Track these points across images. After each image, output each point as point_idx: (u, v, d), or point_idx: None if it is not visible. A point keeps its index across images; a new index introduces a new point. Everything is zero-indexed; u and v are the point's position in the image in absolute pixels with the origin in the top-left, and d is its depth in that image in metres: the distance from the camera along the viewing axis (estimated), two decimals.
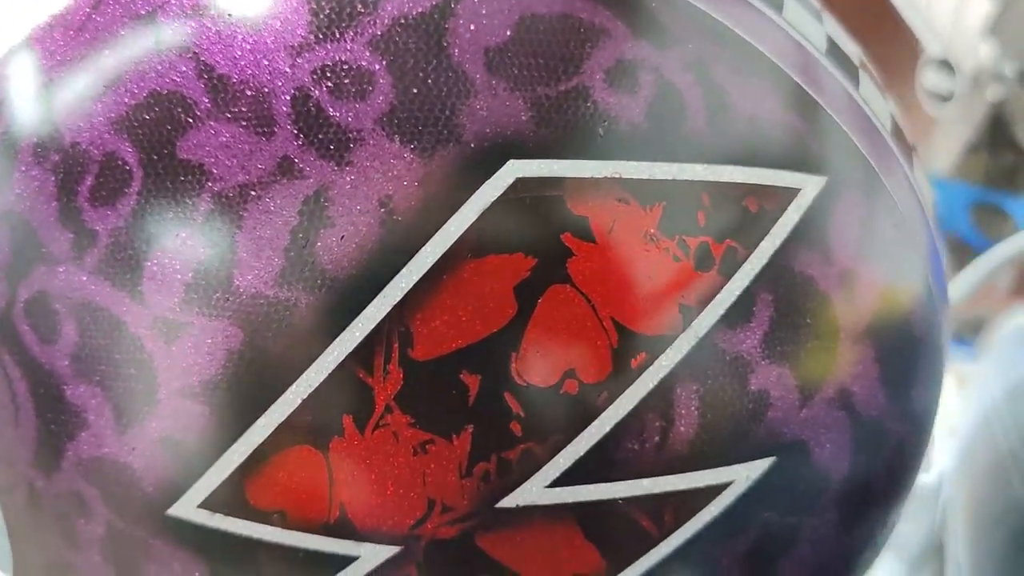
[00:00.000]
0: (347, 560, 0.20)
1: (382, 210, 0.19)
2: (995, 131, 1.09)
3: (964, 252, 0.77)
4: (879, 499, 0.24)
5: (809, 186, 0.21)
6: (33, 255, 0.21)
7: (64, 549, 0.23)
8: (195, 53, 0.20)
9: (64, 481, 0.22)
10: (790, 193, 0.21)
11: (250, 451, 0.20)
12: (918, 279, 0.24)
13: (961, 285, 0.70)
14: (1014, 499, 0.28)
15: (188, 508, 0.21)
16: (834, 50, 0.23)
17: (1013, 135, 1.07)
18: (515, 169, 0.19)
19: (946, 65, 1.08)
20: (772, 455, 0.21)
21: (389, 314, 0.19)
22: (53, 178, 0.21)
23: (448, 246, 0.19)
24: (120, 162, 0.20)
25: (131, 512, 0.21)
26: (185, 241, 0.19)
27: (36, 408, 0.22)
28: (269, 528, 0.20)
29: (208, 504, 0.20)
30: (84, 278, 0.20)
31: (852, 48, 0.25)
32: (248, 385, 0.19)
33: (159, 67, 0.20)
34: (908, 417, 0.24)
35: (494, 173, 0.19)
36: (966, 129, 1.10)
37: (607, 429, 0.19)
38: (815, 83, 0.22)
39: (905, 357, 0.24)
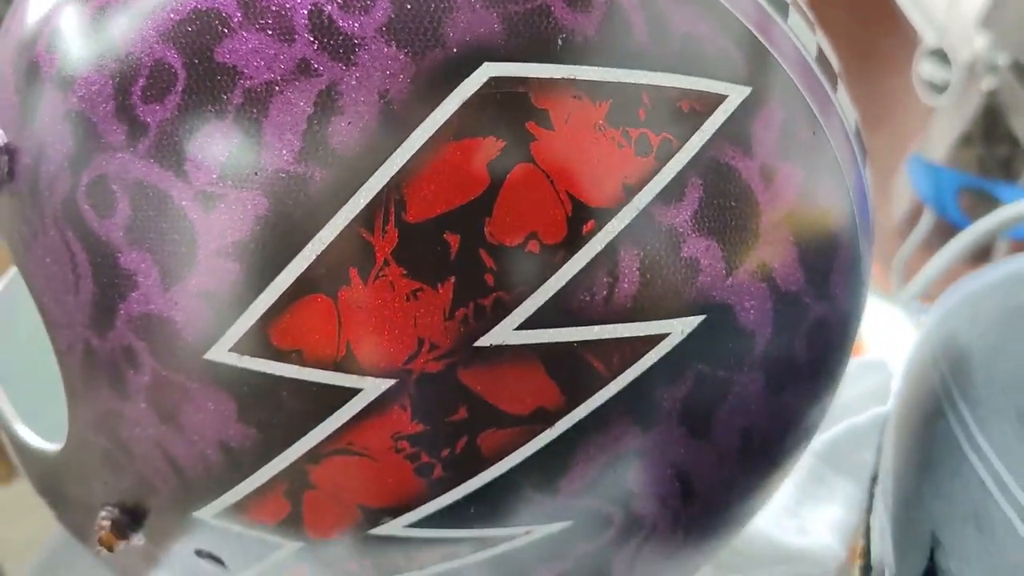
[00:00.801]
0: (352, 392, 0.25)
1: (381, 101, 0.24)
2: (989, 121, 1.13)
3: (953, 235, 0.81)
4: (803, 370, 0.29)
5: (735, 94, 0.26)
6: (94, 146, 0.26)
7: (114, 400, 0.28)
8: None
9: (116, 337, 0.27)
10: (718, 98, 0.26)
11: (273, 300, 0.25)
12: (836, 185, 0.29)
13: (942, 259, 0.74)
14: (930, 387, 0.33)
15: (221, 352, 0.26)
16: None
17: (1007, 125, 1.11)
18: (489, 70, 0.24)
19: (942, 55, 1.12)
20: (703, 313, 0.26)
21: (387, 184, 0.24)
22: (111, 82, 0.26)
23: (434, 130, 0.24)
24: (167, 66, 0.25)
25: (173, 360, 0.26)
26: (221, 128, 0.24)
27: (94, 276, 0.27)
28: (288, 366, 0.25)
29: (238, 348, 0.25)
30: (137, 162, 0.25)
31: None
32: (272, 245, 0.24)
33: None
34: (826, 298, 0.29)
35: (471, 73, 0.24)
36: (961, 118, 1.14)
37: (563, 283, 0.24)
38: (745, 13, 0.27)
39: (823, 248, 0.29)
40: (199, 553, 0.31)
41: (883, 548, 0.33)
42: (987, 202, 1.07)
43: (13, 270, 0.43)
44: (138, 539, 0.31)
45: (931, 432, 0.30)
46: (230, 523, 0.29)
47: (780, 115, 0.27)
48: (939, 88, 1.13)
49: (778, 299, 0.27)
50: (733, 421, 0.28)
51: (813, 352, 0.29)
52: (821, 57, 0.30)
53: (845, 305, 0.30)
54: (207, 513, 0.29)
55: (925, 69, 1.16)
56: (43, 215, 0.27)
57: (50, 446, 0.33)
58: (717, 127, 0.26)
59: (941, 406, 0.30)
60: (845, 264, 0.30)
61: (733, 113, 0.26)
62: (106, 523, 0.31)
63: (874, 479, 0.36)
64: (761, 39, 0.27)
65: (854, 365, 0.50)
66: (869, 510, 0.36)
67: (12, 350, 0.39)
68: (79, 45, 0.27)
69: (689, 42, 0.26)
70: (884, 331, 0.59)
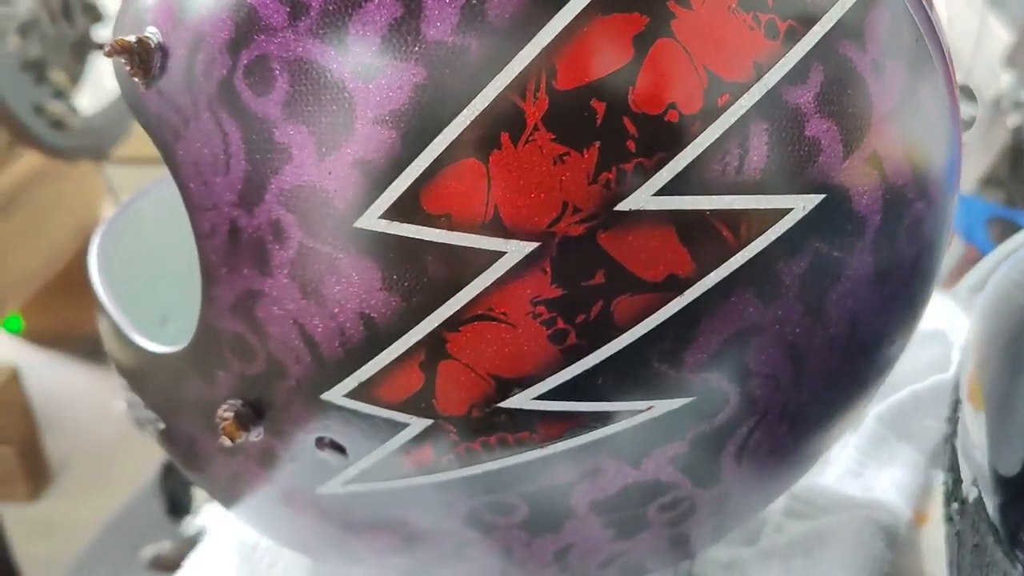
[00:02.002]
0: (497, 255, 0.27)
1: None
2: (1015, 156, 1.16)
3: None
4: (904, 264, 0.31)
5: None
6: (254, 28, 0.28)
7: (254, 279, 0.30)
8: None
9: (264, 212, 0.29)
10: None
11: (426, 165, 0.27)
12: (936, 95, 0.31)
13: (968, 282, 0.77)
14: (1017, 304, 0.35)
15: (371, 219, 0.28)
16: None
17: None
18: None
19: (968, 92, 1.16)
20: (823, 193, 0.28)
21: (539, 54, 0.26)
22: None
23: (584, 5, 0.26)
24: None
25: (322, 230, 0.28)
26: (384, 3, 0.27)
27: (247, 153, 0.29)
28: (436, 231, 0.27)
29: (388, 214, 0.28)
30: (298, 40, 0.28)
31: None
32: (429, 111, 0.27)
33: None
34: (926, 198, 0.31)
35: None
36: (988, 154, 1.17)
37: (699, 151, 0.27)
38: None
39: (924, 150, 0.31)
40: (320, 443, 0.32)
41: (971, 465, 0.35)
42: (1016, 231, 1.09)
43: (118, 209, 0.46)
44: (257, 434, 0.33)
45: (1021, 339, 0.32)
46: (359, 403, 0.31)
47: (887, 20, 0.30)
48: (966, 124, 1.17)
49: (887, 189, 0.30)
50: (844, 303, 0.30)
51: (913, 248, 0.31)
52: None
53: (940, 210, 0.32)
54: (336, 394, 0.31)
55: None
56: (196, 101, 0.30)
57: (173, 348, 0.35)
58: (836, 20, 0.28)
59: None
60: (942, 171, 0.32)
61: (849, 10, 0.28)
62: (229, 415, 0.33)
63: (955, 406, 0.38)
64: None
65: (916, 335, 0.53)
66: (953, 434, 0.38)
67: (124, 280, 0.41)
68: None
69: None
70: (937, 314, 0.61)
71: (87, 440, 1.47)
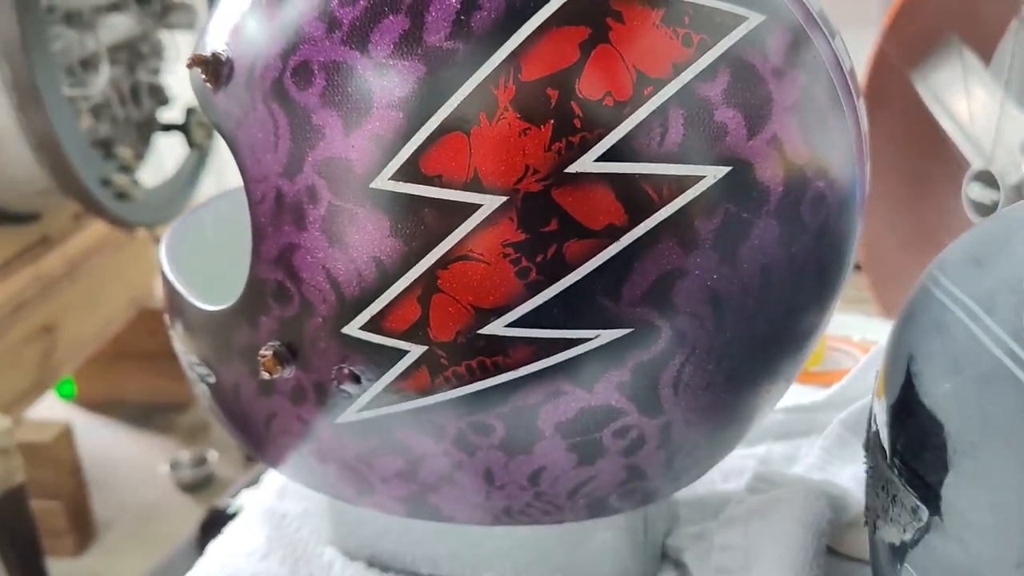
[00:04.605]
0: (476, 207, 0.37)
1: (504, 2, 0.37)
2: None
3: None
4: (808, 232, 0.41)
5: (754, 16, 0.39)
6: (300, 39, 0.39)
7: (293, 234, 0.40)
8: None
9: (303, 180, 0.40)
10: (741, 18, 0.39)
11: (424, 138, 0.37)
12: (831, 97, 0.41)
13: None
14: (921, 284, 0.44)
15: (383, 181, 0.38)
16: None
17: None
18: None
19: (989, 178, 1.25)
20: (730, 165, 0.38)
21: (509, 55, 0.37)
22: None
23: (543, 20, 0.37)
24: None
25: (345, 191, 0.39)
26: (396, 19, 0.38)
27: (291, 134, 0.40)
28: (431, 188, 0.37)
29: (395, 176, 0.38)
30: (333, 47, 0.39)
31: None
32: (427, 97, 0.37)
33: None
34: (825, 178, 0.41)
35: None
36: None
37: (629, 128, 0.37)
38: None
39: (822, 136, 0.41)
40: (340, 373, 0.42)
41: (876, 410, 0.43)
42: None
43: (186, 213, 0.57)
44: (290, 371, 0.43)
45: (913, 299, 0.41)
46: (371, 334, 0.40)
47: (788, 38, 0.40)
48: (988, 209, 1.25)
49: (787, 166, 0.39)
50: (755, 257, 0.39)
51: (816, 218, 0.41)
52: (823, 16, 0.42)
53: (841, 192, 0.42)
54: (354, 327, 0.40)
55: (974, 191, 1.28)
56: (254, 97, 0.41)
57: (225, 306, 0.45)
58: (740, 36, 0.38)
59: (925, 284, 0.41)
60: (842, 157, 0.42)
61: (753, 28, 0.39)
62: (268, 352, 0.43)
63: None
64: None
65: (875, 351, 0.61)
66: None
67: (187, 266, 0.52)
68: None
69: None
70: None
71: (131, 500, 1.57)
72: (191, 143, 1.64)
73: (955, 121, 1.22)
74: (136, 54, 1.53)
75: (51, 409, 1.74)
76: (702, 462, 0.47)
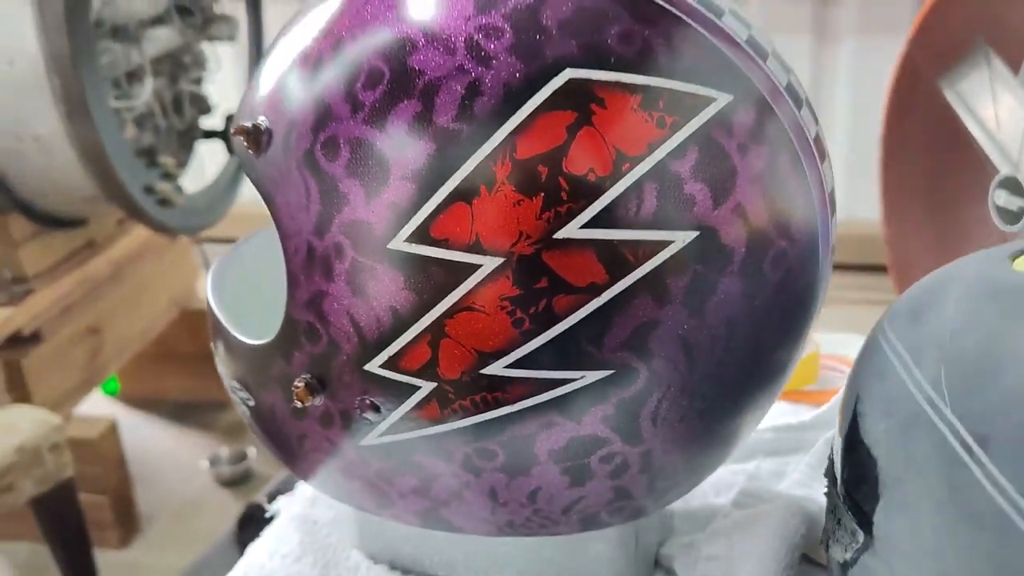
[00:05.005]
0: (477, 266, 0.44)
1: (505, 88, 0.43)
2: None
3: None
4: (770, 285, 0.47)
5: (722, 97, 0.45)
6: (328, 117, 0.46)
7: (322, 283, 0.47)
8: None
9: (330, 238, 0.46)
10: (710, 99, 0.45)
11: (433, 207, 0.44)
12: (795, 165, 0.47)
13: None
14: (871, 338, 0.49)
15: (398, 242, 0.45)
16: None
17: None
18: (569, 73, 0.43)
19: (1015, 184, 1.28)
20: (698, 231, 0.44)
21: (506, 136, 0.43)
22: (343, 79, 0.46)
23: (535, 106, 0.43)
24: (378, 69, 0.45)
25: (366, 250, 0.45)
26: (410, 104, 0.44)
27: (321, 199, 0.46)
28: (439, 249, 0.44)
29: (409, 239, 0.44)
30: (356, 126, 0.45)
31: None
32: (436, 171, 0.43)
33: None
34: (790, 239, 0.47)
35: (558, 74, 0.43)
36: None
37: (609, 200, 0.43)
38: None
39: (785, 203, 0.47)
40: (362, 403, 0.49)
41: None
42: None
43: (231, 248, 0.64)
44: (320, 399, 0.50)
45: (866, 344, 0.47)
46: (388, 372, 0.47)
47: (753, 116, 0.46)
48: (1014, 215, 1.29)
49: (750, 229, 0.45)
50: (720, 311, 0.45)
51: (777, 273, 0.47)
52: (790, 88, 0.48)
53: (803, 248, 0.48)
54: (374, 365, 0.47)
55: (1000, 197, 1.31)
56: (289, 164, 0.47)
57: (264, 340, 0.52)
58: (708, 117, 0.44)
59: (875, 331, 0.47)
60: (804, 216, 0.47)
61: (721, 109, 0.45)
62: (300, 384, 0.49)
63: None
64: (738, 63, 0.46)
65: None
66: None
67: (232, 300, 0.59)
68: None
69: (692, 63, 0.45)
70: None
71: (172, 495, 1.66)
72: (231, 149, 1.71)
73: (983, 128, 1.24)
74: (179, 65, 1.61)
75: (96, 406, 1.83)
76: (683, 483, 0.53)
